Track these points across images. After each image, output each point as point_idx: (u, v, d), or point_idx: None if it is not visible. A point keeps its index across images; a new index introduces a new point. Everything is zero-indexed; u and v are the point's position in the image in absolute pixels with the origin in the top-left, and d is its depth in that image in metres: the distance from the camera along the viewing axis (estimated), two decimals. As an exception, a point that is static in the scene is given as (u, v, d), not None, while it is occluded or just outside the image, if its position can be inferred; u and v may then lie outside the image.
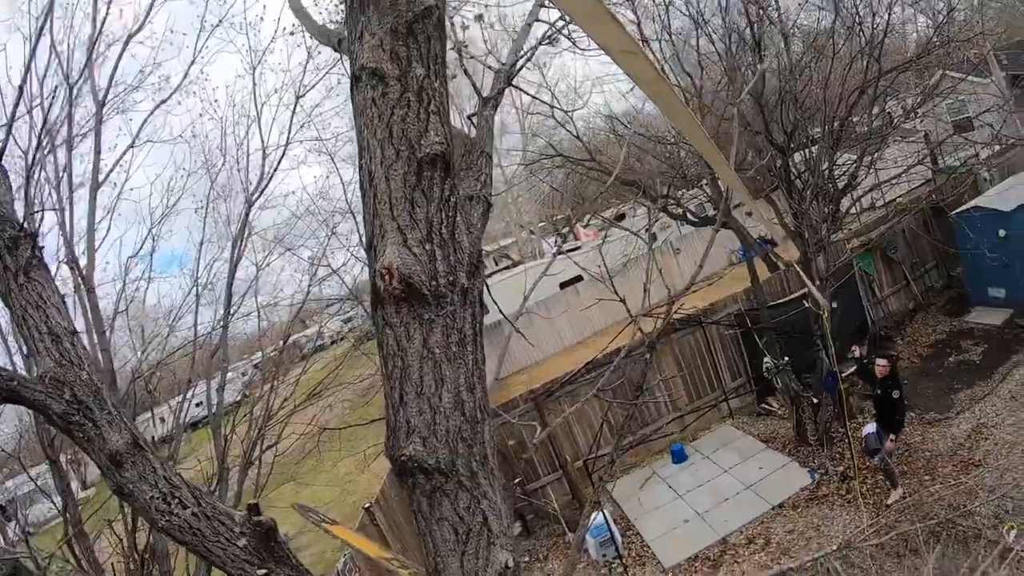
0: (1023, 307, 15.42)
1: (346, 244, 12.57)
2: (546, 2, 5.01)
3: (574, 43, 6.94)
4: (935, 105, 17.95)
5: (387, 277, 2.37)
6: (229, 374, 10.54)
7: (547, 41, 5.90)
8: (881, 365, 11.48)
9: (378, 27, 2.33)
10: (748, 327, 15.64)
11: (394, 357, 2.50)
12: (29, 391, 2.87)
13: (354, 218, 12.15)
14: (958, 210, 16.67)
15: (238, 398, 12.95)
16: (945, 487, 10.85)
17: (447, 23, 3.05)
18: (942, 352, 15.62)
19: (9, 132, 6.09)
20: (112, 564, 7.26)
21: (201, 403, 10.56)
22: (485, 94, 4.41)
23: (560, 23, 5.86)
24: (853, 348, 12.76)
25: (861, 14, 12.99)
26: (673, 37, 14.12)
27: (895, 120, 15.87)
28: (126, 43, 9.32)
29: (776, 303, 15.76)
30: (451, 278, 2.48)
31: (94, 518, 8.02)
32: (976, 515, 9.04)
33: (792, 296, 15.88)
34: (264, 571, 2.97)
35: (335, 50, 3.89)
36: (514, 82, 4.80)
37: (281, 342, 11.64)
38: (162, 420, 10.45)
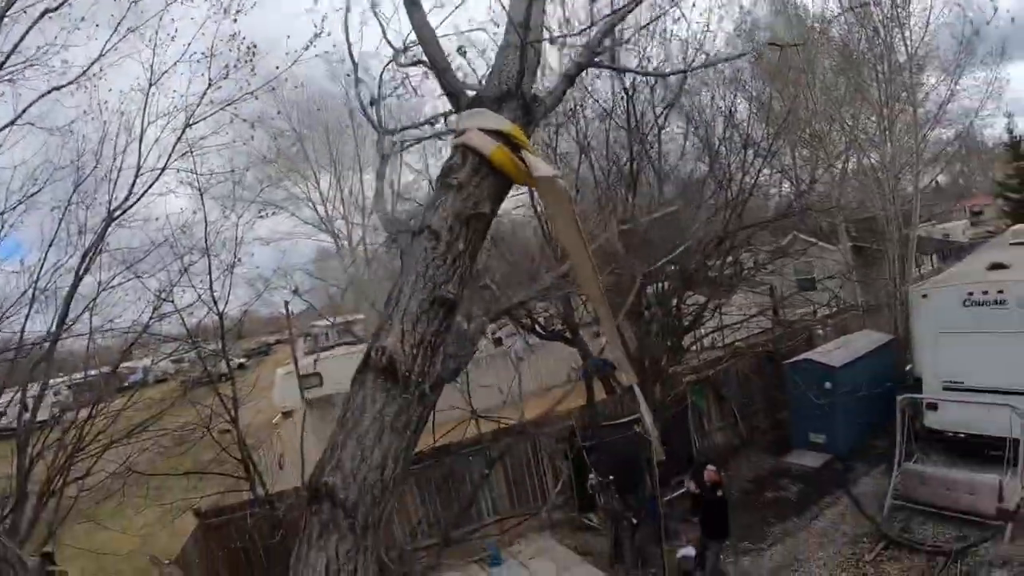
0: (840, 453, 16.73)
1: (196, 285, 12.20)
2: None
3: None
4: (784, 264, 19.36)
5: (379, 353, 3.37)
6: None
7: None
8: (711, 471, 12.70)
9: (451, 207, 3.60)
10: (578, 442, 15.94)
11: (355, 411, 3.37)
12: None
13: (208, 259, 11.95)
14: (791, 360, 18.18)
15: (47, 418, 12.18)
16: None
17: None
18: (762, 487, 16.49)
19: None
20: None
21: (4, 413, 9.89)
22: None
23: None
24: (688, 482, 13.50)
25: (732, 171, 14.01)
26: (557, 157, 14.71)
27: (745, 271, 16.94)
28: (41, 16, 9.01)
29: (608, 423, 16.27)
30: (420, 379, 3.43)
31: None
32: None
33: (625, 419, 16.35)
34: None
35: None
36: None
37: (107, 368, 11.09)
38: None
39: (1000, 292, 13.49)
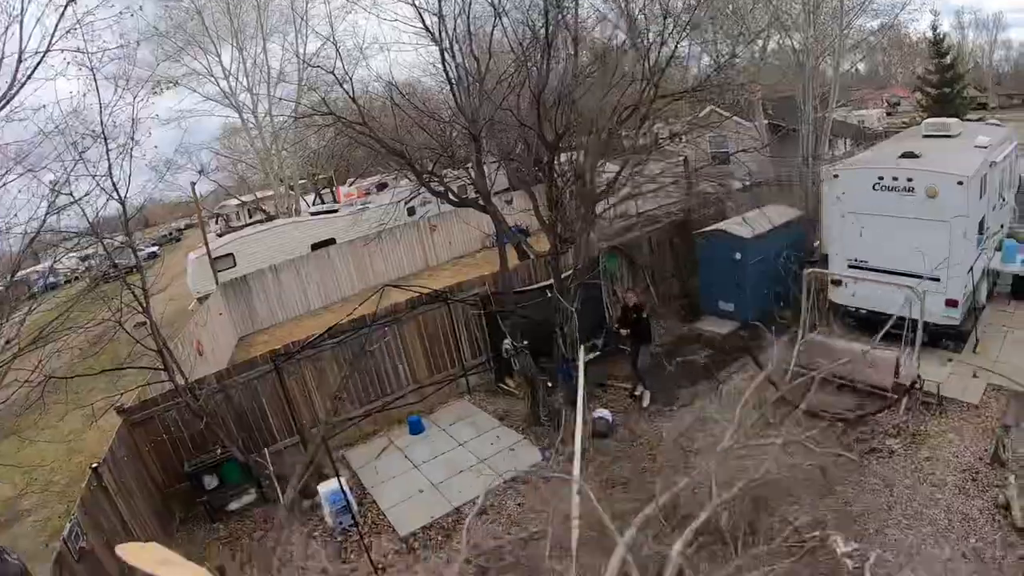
0: (748, 321, 17.32)
1: (93, 172, 11.55)
2: None
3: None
4: (699, 136, 19.53)
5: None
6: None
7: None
8: (629, 295, 15.02)
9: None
10: (492, 309, 16.27)
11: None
12: None
13: (106, 144, 11.38)
14: (703, 230, 18.77)
15: None
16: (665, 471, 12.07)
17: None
18: (672, 352, 16.93)
19: None
20: None
21: None
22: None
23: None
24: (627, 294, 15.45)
25: (650, 40, 13.92)
26: (470, 19, 14.39)
27: (660, 141, 17.08)
28: None
29: (522, 289, 16.55)
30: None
31: None
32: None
33: (537, 285, 16.74)
34: None
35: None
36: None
37: (9, 275, 10.67)
38: None
39: (909, 180, 13.90)
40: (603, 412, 14.37)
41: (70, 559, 9.38)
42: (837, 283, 15.74)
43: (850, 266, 15.32)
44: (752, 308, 17.56)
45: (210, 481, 13.62)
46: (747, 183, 23.13)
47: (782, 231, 18.26)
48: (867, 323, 15.02)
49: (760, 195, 22.10)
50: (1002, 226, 16.49)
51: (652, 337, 15.30)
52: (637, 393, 15.37)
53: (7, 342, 9.32)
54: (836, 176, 15.38)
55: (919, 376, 12.89)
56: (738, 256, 17.45)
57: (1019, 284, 16.08)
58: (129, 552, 3.14)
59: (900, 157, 14.59)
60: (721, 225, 18.54)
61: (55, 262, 14.79)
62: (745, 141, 22.46)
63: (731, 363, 16.16)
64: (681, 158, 23.34)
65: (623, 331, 14.97)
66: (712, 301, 18.75)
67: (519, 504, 12.36)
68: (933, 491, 10.52)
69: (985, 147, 14.77)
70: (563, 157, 14.92)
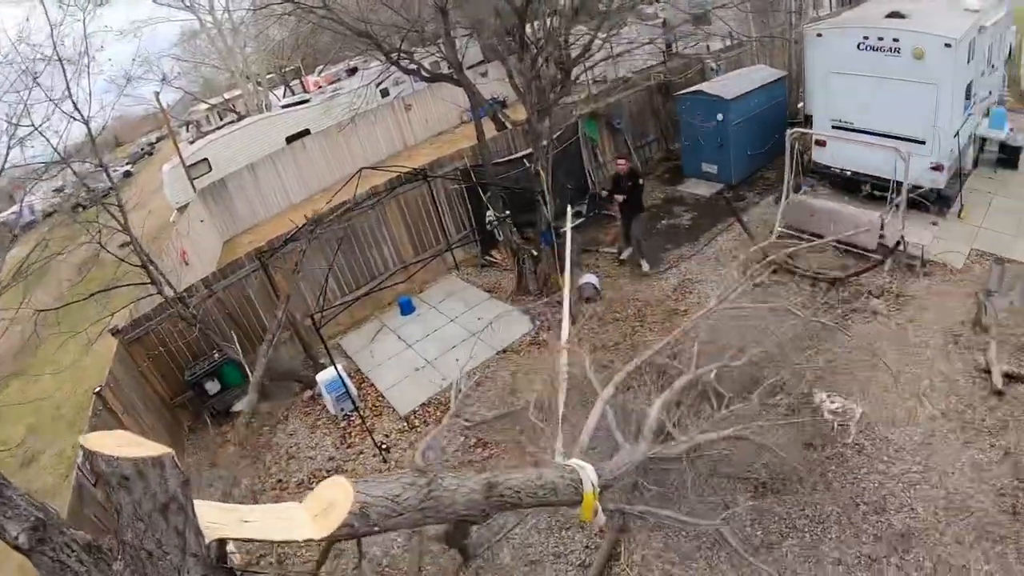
0: (731, 182, 17.36)
1: (49, 96, 11.18)
2: None
3: None
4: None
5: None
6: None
7: None
8: (620, 164, 14.46)
9: None
10: (472, 182, 16.09)
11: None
12: None
13: (61, 65, 10.95)
14: (683, 92, 18.28)
15: None
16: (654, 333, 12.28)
17: None
18: (657, 215, 16.97)
19: None
20: None
21: None
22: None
23: None
24: (617, 162, 14.98)
25: None
26: None
27: (636, 1, 16.54)
28: None
29: (501, 160, 16.30)
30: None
31: None
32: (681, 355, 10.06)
33: (517, 155, 16.47)
34: None
35: None
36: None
37: None
38: None
39: (896, 40, 13.43)
40: (590, 277, 14.40)
41: (87, 484, 9.52)
42: (821, 144, 15.49)
43: (834, 127, 15.03)
44: (735, 169, 17.48)
45: (212, 386, 13.76)
46: (728, 43, 22.55)
47: (765, 91, 17.86)
48: (851, 184, 15.00)
49: (742, 55, 21.62)
50: (990, 93, 16.03)
51: (642, 207, 14.98)
52: (623, 257, 15.35)
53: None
54: (820, 35, 14.93)
55: (903, 238, 12.78)
56: (720, 117, 17.10)
57: (1006, 151, 15.71)
58: (91, 440, 3.08)
59: (886, 17, 14.11)
60: (702, 86, 18.10)
61: (26, 194, 14.55)
62: (726, -1, 21.78)
63: (716, 225, 16.07)
64: (659, 20, 22.74)
65: (617, 197, 14.60)
66: (695, 164, 18.51)
67: (512, 373, 12.48)
68: (916, 352, 10.57)
69: (976, 10, 14.18)
70: (535, 24, 14.41)
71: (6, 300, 9.55)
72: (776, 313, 10.65)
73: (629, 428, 7.94)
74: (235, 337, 13.80)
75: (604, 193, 15.99)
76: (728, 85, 17.60)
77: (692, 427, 7.75)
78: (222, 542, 3.55)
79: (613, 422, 6.98)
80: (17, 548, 3.17)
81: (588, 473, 5.31)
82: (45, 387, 15.62)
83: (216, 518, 3.60)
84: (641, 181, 14.69)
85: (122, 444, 3.09)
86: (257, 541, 3.69)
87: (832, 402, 9.43)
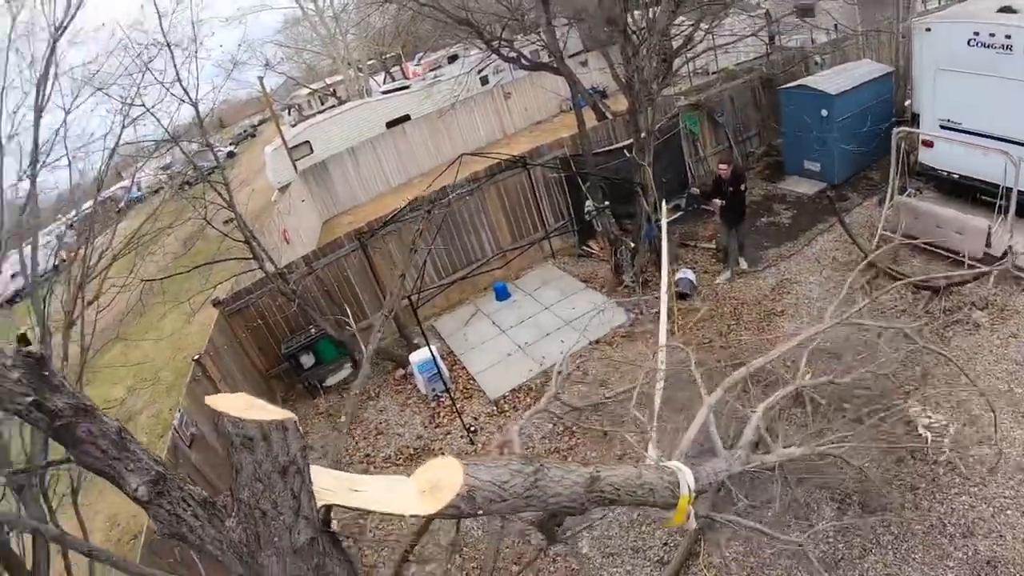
0: (833, 182, 16.73)
1: (162, 80, 11.48)
2: None
3: None
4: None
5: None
6: (42, 239, 9.74)
7: None
8: (723, 168, 13.50)
9: None
10: (572, 171, 16.02)
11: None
12: None
13: (170, 51, 11.29)
14: (786, 85, 17.67)
15: (55, 262, 12.08)
16: (750, 333, 12.08)
17: None
18: (756, 213, 16.50)
19: None
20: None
21: (16, 273, 9.75)
22: None
23: None
24: (719, 166, 13.92)
25: None
26: None
27: None
28: None
29: (601, 150, 16.17)
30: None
31: None
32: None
33: (617, 145, 16.31)
34: (32, 398, 2.93)
35: None
36: None
37: (97, 194, 10.84)
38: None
39: (1008, 37, 12.50)
40: (686, 272, 14.18)
41: (182, 445, 9.99)
42: (928, 144, 14.61)
43: (942, 127, 14.11)
44: (839, 168, 16.83)
45: (307, 360, 14.22)
46: (833, 36, 21.91)
47: (871, 87, 17.02)
48: (958, 188, 14.10)
49: (847, 49, 20.97)
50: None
51: (745, 212, 14.26)
52: (719, 281, 14.43)
53: (102, 252, 9.53)
54: (928, 29, 14.18)
55: (1011, 247, 11.91)
56: (824, 113, 16.42)
57: None
58: (218, 401, 3.22)
59: (998, 11, 13.35)
60: (806, 80, 17.41)
61: (137, 170, 15.09)
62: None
63: (816, 224, 15.54)
64: (762, 10, 22.25)
65: (716, 201, 14.02)
66: (797, 160, 17.87)
67: (605, 365, 12.42)
68: (1017, 369, 9.91)
69: (1094, 5, 13.38)
70: (636, 14, 14.30)
71: (115, 269, 9.91)
72: (875, 317, 10.29)
73: (727, 434, 7.82)
74: (348, 311, 14.10)
75: (699, 191, 15.66)
76: (833, 80, 16.95)
77: (785, 437, 7.58)
78: (328, 507, 3.66)
79: (714, 427, 6.89)
80: (136, 500, 3.30)
81: (687, 477, 5.26)
82: (146, 352, 16.22)
83: (328, 484, 3.72)
84: (744, 187, 14.01)
85: (247, 407, 3.22)
86: (364, 511, 3.77)
87: (927, 416, 9.04)
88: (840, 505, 8.38)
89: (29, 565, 6.77)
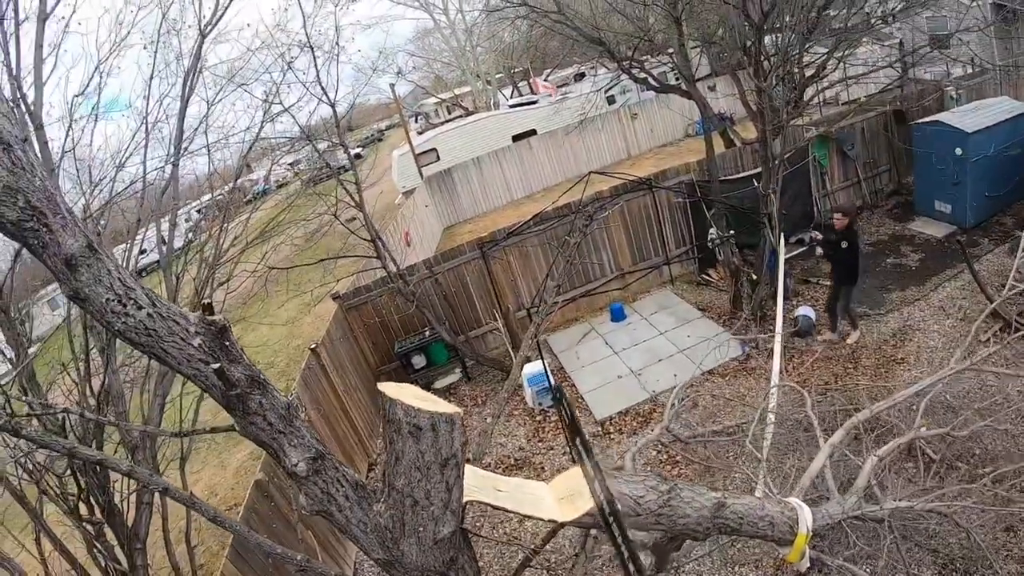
0: (965, 225, 15.88)
1: (303, 79, 11.95)
2: None
3: None
4: (915, 14, 17.87)
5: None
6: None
7: None
8: (838, 218, 12.30)
9: None
10: (698, 197, 15.85)
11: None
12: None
13: (312, 52, 11.75)
14: (920, 121, 16.86)
15: (186, 240, 12.72)
16: (867, 378, 11.58)
17: None
18: (882, 253, 16.03)
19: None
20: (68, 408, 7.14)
21: (146, 250, 10.17)
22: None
23: None
24: (834, 215, 12.76)
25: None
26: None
27: (872, 20, 15.81)
28: None
29: (728, 178, 16.08)
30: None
31: (45, 370, 8.01)
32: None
33: (745, 174, 16.17)
34: (217, 366, 3.09)
35: None
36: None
37: (232, 183, 11.34)
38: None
39: None
40: (806, 310, 13.71)
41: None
42: None
43: None
44: (972, 211, 15.90)
45: (419, 361, 14.64)
46: (970, 69, 21.11)
47: (1008, 126, 15.94)
48: None
49: (984, 84, 20.16)
50: None
51: (859, 268, 12.71)
52: (816, 347, 13.24)
53: (234, 239, 9.97)
54: None
55: None
56: (959, 152, 15.55)
57: None
58: (389, 388, 3.41)
59: None
60: (940, 116, 16.52)
61: (274, 164, 15.74)
62: (967, 22, 20.42)
63: (944, 269, 14.69)
64: (896, 40, 21.66)
65: (822, 249, 12.99)
66: (927, 200, 17.04)
67: (714, 396, 12.23)
68: None
69: None
70: (767, 40, 14.15)
71: (245, 254, 10.34)
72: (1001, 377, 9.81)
73: (839, 476, 7.61)
74: (447, 320, 14.31)
75: (811, 237, 14.99)
76: (968, 116, 16.03)
77: (893, 490, 7.32)
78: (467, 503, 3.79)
79: (829, 470, 6.77)
80: (293, 474, 3.49)
81: (806, 515, 5.25)
82: (261, 336, 16.75)
83: (475, 482, 3.87)
84: (860, 244, 12.80)
85: (416, 398, 3.39)
86: (506, 511, 3.89)
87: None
88: (942, 570, 7.89)
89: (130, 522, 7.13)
